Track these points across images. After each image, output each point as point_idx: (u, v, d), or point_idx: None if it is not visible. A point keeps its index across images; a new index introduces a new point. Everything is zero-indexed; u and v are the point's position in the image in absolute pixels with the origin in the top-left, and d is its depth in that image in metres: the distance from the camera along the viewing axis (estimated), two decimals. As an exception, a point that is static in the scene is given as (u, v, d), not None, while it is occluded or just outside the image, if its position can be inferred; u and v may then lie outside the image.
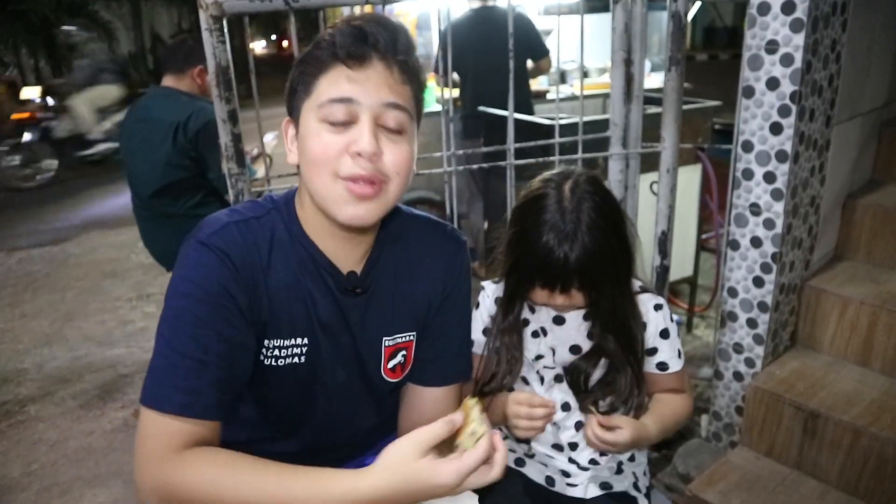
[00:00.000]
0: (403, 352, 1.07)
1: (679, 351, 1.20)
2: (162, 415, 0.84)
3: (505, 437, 1.27)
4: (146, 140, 2.50)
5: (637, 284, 1.20)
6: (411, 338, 1.07)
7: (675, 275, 2.98)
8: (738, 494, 1.69)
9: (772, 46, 1.61)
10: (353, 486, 0.80)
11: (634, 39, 1.74)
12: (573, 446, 1.20)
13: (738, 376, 1.91)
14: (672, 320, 1.20)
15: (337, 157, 0.86)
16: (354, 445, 1.14)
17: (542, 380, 1.20)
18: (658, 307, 1.19)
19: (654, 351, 1.19)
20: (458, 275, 1.08)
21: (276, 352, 0.96)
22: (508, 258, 1.12)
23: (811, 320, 1.93)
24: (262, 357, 0.96)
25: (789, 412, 1.74)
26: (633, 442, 1.08)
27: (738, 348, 1.89)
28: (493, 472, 0.83)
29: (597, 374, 1.17)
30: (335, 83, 0.85)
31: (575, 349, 1.17)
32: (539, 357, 1.19)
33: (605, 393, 1.16)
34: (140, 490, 0.85)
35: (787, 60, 1.59)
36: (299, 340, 0.97)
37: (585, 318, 1.16)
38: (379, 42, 0.85)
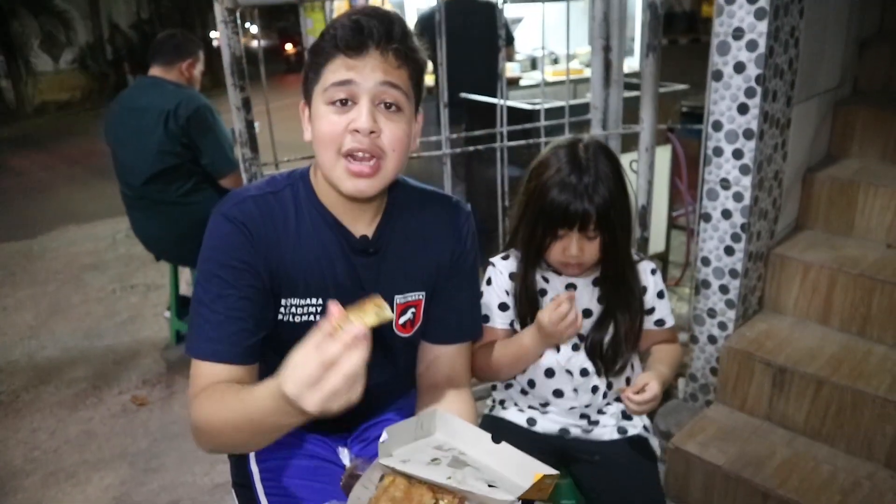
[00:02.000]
0: (413, 309, 1.17)
1: (671, 308, 1.38)
2: (196, 361, 1.00)
3: (502, 403, 1.42)
4: (136, 129, 2.55)
5: (633, 252, 1.34)
6: (420, 297, 1.17)
7: (648, 250, 3.16)
8: (716, 444, 1.85)
9: (738, 33, 1.76)
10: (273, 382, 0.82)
11: (613, 27, 1.87)
12: (587, 405, 1.36)
13: (711, 339, 2.08)
14: (663, 281, 1.37)
15: (340, 135, 0.96)
16: (368, 402, 1.24)
17: (557, 348, 1.33)
18: (653, 271, 1.36)
19: (652, 310, 1.36)
20: (464, 240, 1.18)
21: (293, 309, 1.08)
22: (525, 216, 1.26)
23: (777, 285, 2.10)
24: (280, 315, 1.08)
25: (759, 368, 1.91)
26: (662, 390, 1.23)
27: (711, 313, 2.06)
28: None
29: (606, 338, 1.31)
30: (337, 70, 0.95)
31: (587, 313, 1.32)
32: None
33: (616, 354, 1.31)
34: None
35: (752, 46, 1.74)
36: (313, 300, 1.08)
37: (594, 283, 1.30)
38: (374, 33, 0.95)
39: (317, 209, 1.08)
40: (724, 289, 2.00)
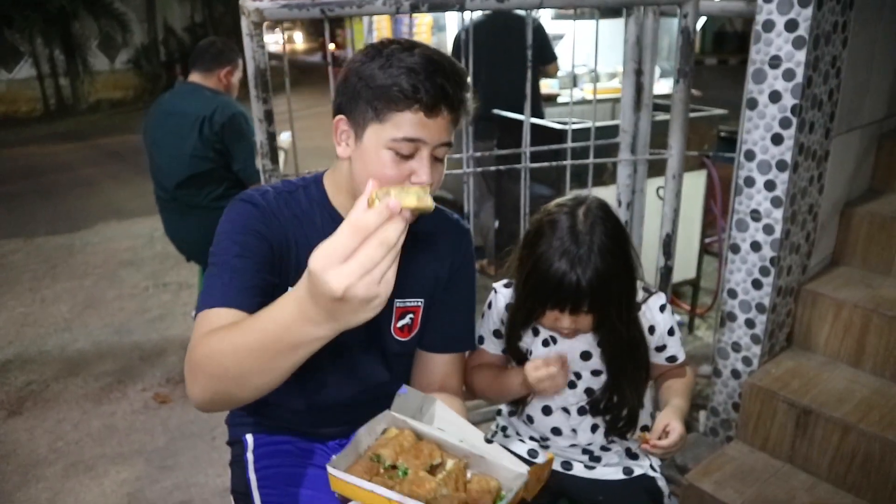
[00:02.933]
0: (411, 315, 1.22)
1: (682, 341, 1.34)
2: (203, 312, 0.96)
3: (504, 430, 1.39)
4: (172, 132, 2.61)
5: (640, 287, 1.28)
6: (419, 303, 1.21)
7: (677, 276, 3.08)
8: (732, 484, 1.78)
9: (775, 62, 1.70)
10: (292, 290, 0.78)
11: (645, 51, 1.84)
12: (591, 445, 1.32)
13: (735, 374, 2.01)
14: (673, 315, 1.32)
15: (399, 183, 1.01)
16: (366, 404, 1.22)
17: (567, 412, 1.30)
18: (662, 308, 1.30)
19: (663, 348, 1.32)
20: (462, 256, 1.24)
21: None
22: (520, 279, 1.23)
23: (807, 322, 2.02)
24: None
25: (783, 408, 1.84)
26: (684, 427, 1.18)
27: (736, 347, 1.99)
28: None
29: (608, 395, 1.28)
30: (410, 125, 0.98)
31: (585, 355, 1.27)
32: None
33: (620, 406, 1.27)
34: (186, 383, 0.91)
35: (788, 75, 1.69)
36: None
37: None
38: (451, 98, 0.99)
39: (327, 211, 1.14)
40: (750, 323, 1.94)
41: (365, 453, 1.01)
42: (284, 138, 2.86)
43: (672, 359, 1.33)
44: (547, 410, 1.31)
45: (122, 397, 2.79)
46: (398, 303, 1.19)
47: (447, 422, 1.09)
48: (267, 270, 1.04)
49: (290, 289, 1.08)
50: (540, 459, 1.34)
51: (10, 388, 2.91)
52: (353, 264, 0.68)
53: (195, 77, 2.71)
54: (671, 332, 1.31)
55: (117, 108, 13.07)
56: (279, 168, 1.63)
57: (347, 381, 1.20)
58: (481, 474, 1.00)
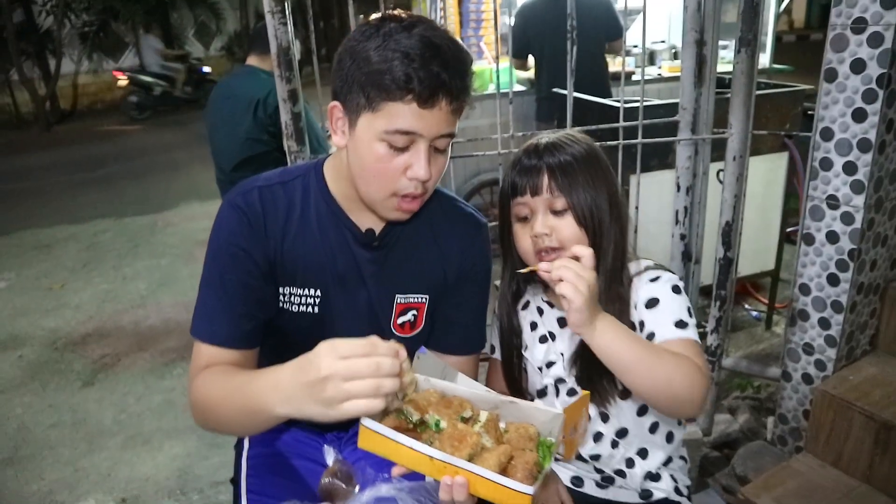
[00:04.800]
0: (414, 311, 1.14)
1: (680, 320, 1.03)
2: (197, 342, 1.02)
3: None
4: (230, 115, 2.64)
5: (643, 264, 1.13)
6: (423, 300, 1.13)
7: (755, 268, 2.84)
8: (795, 502, 1.60)
9: (859, 25, 1.48)
10: (276, 367, 0.87)
11: (708, 19, 1.65)
12: (595, 457, 1.17)
13: (807, 378, 1.80)
14: (674, 290, 1.07)
15: (395, 176, 0.95)
16: None
17: (557, 392, 1.17)
18: (653, 279, 1.09)
19: (641, 325, 1.07)
20: (474, 254, 1.14)
21: (292, 298, 1.08)
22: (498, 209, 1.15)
23: (895, 325, 1.78)
24: (280, 302, 1.09)
25: (860, 421, 1.63)
26: (591, 302, 0.92)
27: (808, 349, 1.78)
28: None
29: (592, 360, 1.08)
30: (404, 116, 0.90)
31: (583, 347, 1.11)
32: (550, 364, 1.16)
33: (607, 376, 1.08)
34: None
35: (875, 40, 1.46)
36: (312, 291, 1.08)
37: None
38: (449, 87, 0.91)
39: (325, 200, 1.08)
40: (824, 323, 1.73)
41: (388, 411, 0.90)
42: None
43: (650, 337, 1.05)
44: None
45: (183, 374, 2.89)
46: (399, 298, 1.12)
47: (470, 384, 1.00)
48: (255, 289, 1.03)
49: (281, 289, 1.08)
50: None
51: (87, 360, 3.09)
52: (347, 363, 0.77)
53: (253, 60, 2.72)
54: (651, 304, 1.05)
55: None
56: (307, 150, 1.58)
57: None
58: (516, 422, 0.91)
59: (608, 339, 0.94)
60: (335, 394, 0.76)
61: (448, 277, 1.13)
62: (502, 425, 0.91)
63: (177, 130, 9.41)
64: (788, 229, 2.82)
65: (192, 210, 5.36)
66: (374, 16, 0.96)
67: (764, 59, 3.75)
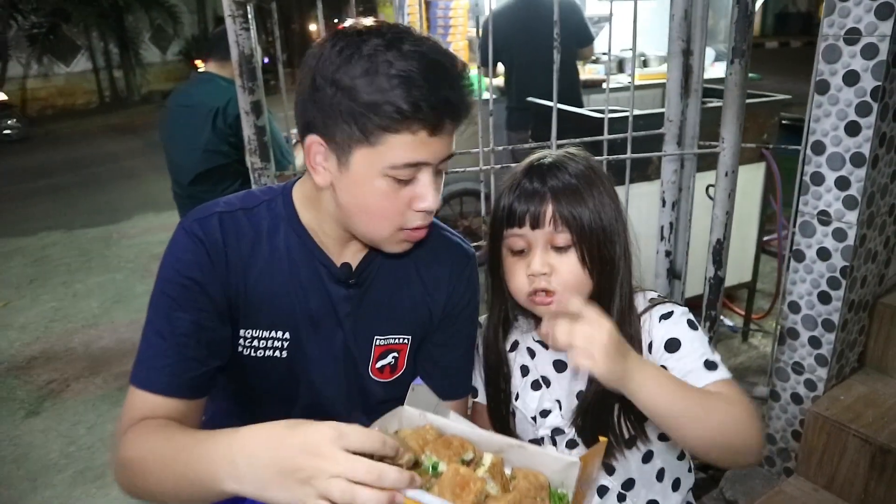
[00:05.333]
0: (395, 354, 1.03)
1: (708, 361, 0.93)
2: (133, 389, 0.88)
3: None
4: (186, 125, 2.49)
5: (648, 296, 1.03)
6: (405, 341, 1.03)
7: (732, 279, 2.79)
8: (792, 531, 1.54)
9: (852, 36, 1.43)
10: (231, 432, 0.74)
11: (695, 28, 1.59)
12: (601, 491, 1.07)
13: (796, 398, 1.75)
14: (691, 326, 0.97)
15: (401, 210, 0.86)
16: None
17: (554, 444, 1.05)
18: (665, 316, 0.98)
19: (648, 351, 0.98)
20: (462, 290, 1.04)
21: (254, 342, 0.96)
22: (488, 235, 1.04)
23: (884, 341, 1.74)
24: (239, 347, 0.96)
25: (854, 444, 1.57)
26: (612, 355, 0.79)
27: (797, 368, 1.73)
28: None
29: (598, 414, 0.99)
30: (412, 148, 0.81)
31: (587, 394, 1.01)
32: (546, 412, 1.05)
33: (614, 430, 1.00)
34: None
35: (869, 52, 1.41)
36: (279, 334, 0.96)
37: None
38: (457, 111, 0.83)
39: (295, 230, 0.95)
40: (814, 342, 1.67)
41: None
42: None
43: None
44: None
45: (139, 400, 2.71)
46: (379, 340, 1.01)
47: (469, 424, 0.89)
48: (208, 330, 0.90)
49: (242, 332, 0.94)
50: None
51: (31, 386, 2.88)
52: (346, 457, 0.66)
53: (211, 66, 2.57)
54: (671, 348, 0.94)
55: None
56: (272, 166, 1.46)
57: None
58: (524, 469, 0.80)
59: (652, 391, 0.81)
60: (322, 487, 0.65)
61: (433, 315, 1.02)
62: (508, 471, 0.81)
63: (131, 138, 9.09)
64: (765, 238, 2.79)
65: (148, 222, 5.13)
66: (343, 26, 0.83)
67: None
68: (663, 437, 1.03)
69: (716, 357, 0.94)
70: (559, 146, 1.58)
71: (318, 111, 0.82)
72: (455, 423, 0.85)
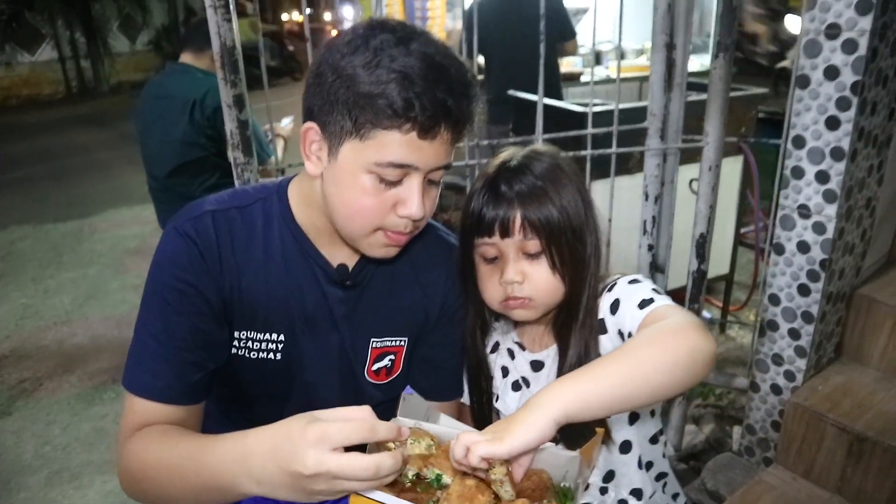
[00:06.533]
0: (391, 356, 1.03)
1: (642, 300, 0.92)
2: (131, 396, 0.88)
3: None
4: (162, 117, 2.44)
5: (608, 281, 1.02)
6: (402, 343, 1.03)
7: (710, 272, 2.83)
8: (772, 519, 1.57)
9: (832, 31, 1.45)
10: (239, 437, 0.75)
11: (678, 20, 1.59)
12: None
13: (775, 389, 1.78)
14: (631, 283, 0.98)
15: (384, 212, 0.84)
16: None
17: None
18: (608, 288, 0.99)
19: (620, 335, 0.96)
20: (459, 290, 1.04)
21: (249, 343, 0.95)
22: (459, 241, 1.02)
23: (860, 331, 1.77)
24: (234, 348, 0.95)
25: (832, 433, 1.60)
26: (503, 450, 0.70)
27: (777, 360, 1.76)
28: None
29: None
30: (399, 147, 0.79)
31: None
32: None
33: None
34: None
35: (849, 47, 1.43)
36: (273, 336, 0.95)
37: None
38: (457, 117, 0.81)
39: (290, 230, 0.93)
40: (794, 333, 1.70)
41: None
42: (285, 124, 2.67)
43: (629, 336, 0.94)
44: None
45: (116, 398, 2.66)
46: (375, 342, 1.00)
47: (460, 427, 0.89)
48: (205, 333, 0.88)
49: (237, 333, 0.92)
50: None
51: (2, 385, 2.81)
52: (341, 461, 0.66)
53: (186, 57, 2.52)
54: (614, 308, 0.96)
55: (138, 90, 12.99)
56: (254, 161, 1.43)
57: None
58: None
59: (585, 398, 0.75)
60: (326, 488, 0.66)
61: (429, 317, 1.02)
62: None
63: (101, 129, 8.88)
64: (742, 230, 2.83)
65: (121, 216, 5.02)
66: (360, 21, 0.83)
67: (706, 61, 3.79)
68: (633, 420, 1.04)
69: (656, 295, 0.92)
70: (536, 140, 1.58)
71: (318, 98, 0.81)
72: (449, 429, 0.84)
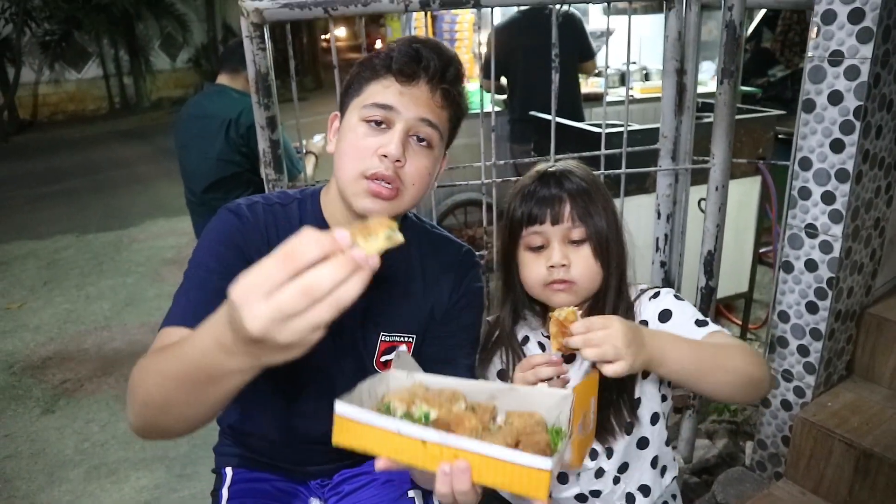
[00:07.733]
0: (401, 349, 1.10)
1: (698, 319, 1.05)
2: (163, 329, 0.89)
3: None
4: (199, 135, 2.58)
5: (639, 288, 1.15)
6: (410, 339, 1.11)
7: (729, 290, 2.86)
8: (778, 531, 1.60)
9: (836, 58, 1.50)
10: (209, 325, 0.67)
11: (688, 48, 1.66)
12: (595, 493, 1.15)
13: (786, 405, 1.81)
14: (678, 298, 1.10)
15: (367, 155, 0.94)
16: None
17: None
18: (654, 296, 1.11)
19: None
20: (465, 291, 1.12)
21: None
22: (501, 251, 1.14)
23: (870, 350, 1.80)
24: None
25: (840, 448, 1.64)
26: (621, 333, 0.86)
27: (787, 376, 1.79)
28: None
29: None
30: (382, 91, 0.95)
31: None
32: None
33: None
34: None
35: (852, 73, 1.49)
36: None
37: None
38: (430, 67, 0.95)
39: (319, 226, 1.01)
40: (803, 350, 1.74)
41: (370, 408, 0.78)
42: (316, 141, 2.79)
43: None
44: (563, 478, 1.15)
45: (150, 400, 2.79)
46: (385, 337, 1.09)
47: (454, 378, 0.87)
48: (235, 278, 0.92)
49: None
50: None
51: (46, 385, 2.96)
52: (273, 305, 0.56)
53: (223, 78, 2.67)
54: (664, 317, 1.07)
55: (178, 106, 13.41)
56: (285, 177, 1.54)
57: (328, 411, 1.09)
58: (518, 410, 0.80)
59: (673, 356, 0.91)
60: (286, 343, 0.58)
61: (435, 315, 1.10)
62: (501, 417, 0.80)
63: (141, 143, 9.21)
64: (761, 250, 2.86)
65: (158, 227, 5.22)
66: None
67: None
68: (655, 421, 1.12)
69: (702, 317, 1.06)
70: (557, 160, 1.66)
71: (342, 91, 1.02)
72: (442, 378, 0.85)
